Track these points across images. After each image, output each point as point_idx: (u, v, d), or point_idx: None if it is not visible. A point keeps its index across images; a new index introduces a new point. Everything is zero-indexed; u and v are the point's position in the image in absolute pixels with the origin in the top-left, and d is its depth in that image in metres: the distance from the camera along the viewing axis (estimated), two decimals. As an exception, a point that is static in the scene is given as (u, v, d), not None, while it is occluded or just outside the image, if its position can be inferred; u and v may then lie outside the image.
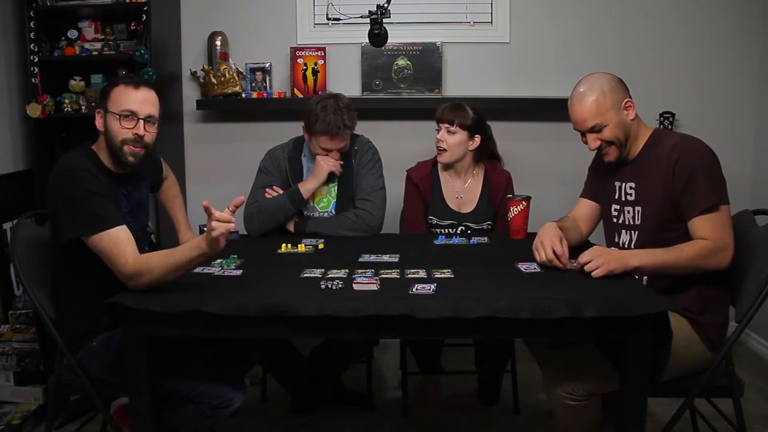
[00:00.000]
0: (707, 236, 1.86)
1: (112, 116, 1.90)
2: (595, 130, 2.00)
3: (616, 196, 2.08)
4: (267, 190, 2.58)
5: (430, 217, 2.66)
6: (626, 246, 2.04)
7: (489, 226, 2.65)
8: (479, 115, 2.63)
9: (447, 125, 2.59)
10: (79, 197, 1.82)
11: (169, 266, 1.75)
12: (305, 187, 2.53)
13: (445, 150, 2.61)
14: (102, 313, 1.75)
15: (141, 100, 1.92)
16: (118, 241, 1.80)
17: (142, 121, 1.91)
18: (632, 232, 2.03)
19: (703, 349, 1.91)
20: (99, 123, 1.94)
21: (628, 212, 2.04)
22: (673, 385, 1.90)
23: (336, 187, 2.64)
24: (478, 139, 2.62)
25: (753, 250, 1.94)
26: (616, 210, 2.09)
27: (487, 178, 2.68)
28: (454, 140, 2.59)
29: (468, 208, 2.66)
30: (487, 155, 2.72)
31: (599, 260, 1.85)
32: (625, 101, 1.99)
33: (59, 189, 1.86)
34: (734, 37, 3.30)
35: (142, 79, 1.97)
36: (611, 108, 1.98)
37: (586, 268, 1.86)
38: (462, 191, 2.68)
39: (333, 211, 2.61)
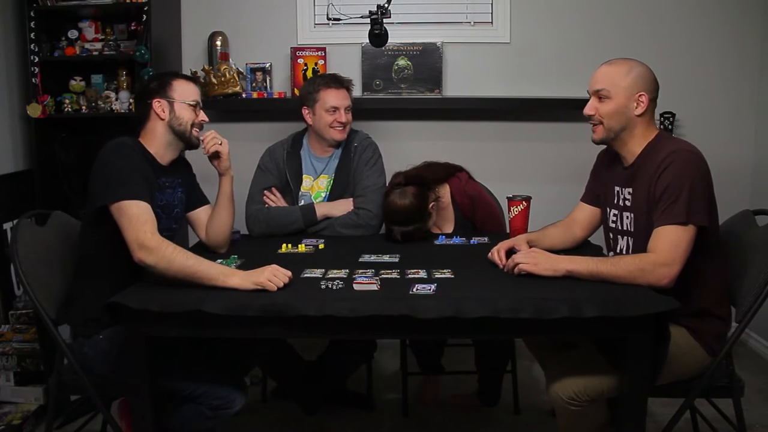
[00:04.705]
0: (655, 248, 1.80)
1: (181, 105, 2.07)
2: (600, 96, 1.96)
3: (615, 201, 2.04)
4: (266, 193, 2.58)
5: None
6: (623, 252, 2.01)
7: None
8: (417, 200, 2.40)
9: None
10: (115, 166, 1.91)
11: (192, 274, 1.80)
12: (321, 210, 2.53)
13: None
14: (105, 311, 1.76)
15: (198, 92, 2.14)
16: (147, 210, 1.87)
17: (201, 111, 2.14)
18: (628, 238, 1.99)
19: (704, 355, 1.89)
20: (162, 111, 2.05)
21: (626, 218, 1.99)
22: (674, 385, 1.90)
23: (331, 181, 2.63)
24: (432, 204, 2.50)
25: (753, 250, 1.94)
26: (615, 215, 2.05)
27: (453, 198, 2.59)
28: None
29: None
30: (443, 178, 2.60)
31: (531, 260, 1.87)
32: (639, 93, 1.92)
33: (99, 160, 1.95)
34: (734, 37, 3.30)
35: (182, 74, 2.19)
36: (624, 87, 1.92)
37: (518, 267, 1.88)
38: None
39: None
